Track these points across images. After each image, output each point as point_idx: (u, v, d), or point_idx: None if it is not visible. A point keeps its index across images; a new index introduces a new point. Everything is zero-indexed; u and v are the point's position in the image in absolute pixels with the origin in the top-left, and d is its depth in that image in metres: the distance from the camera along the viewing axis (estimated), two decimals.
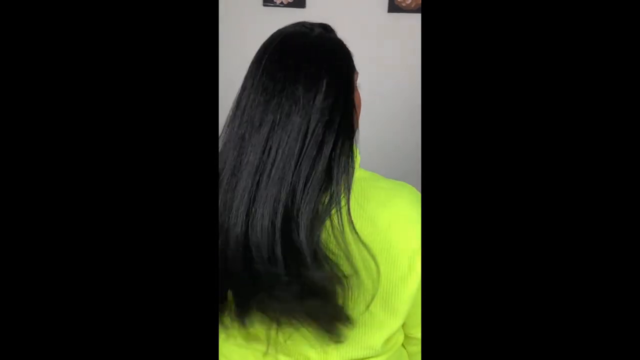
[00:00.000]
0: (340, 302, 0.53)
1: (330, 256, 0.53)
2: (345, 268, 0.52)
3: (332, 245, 0.53)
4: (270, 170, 0.52)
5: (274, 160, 0.52)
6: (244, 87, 0.57)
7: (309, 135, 0.53)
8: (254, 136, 0.53)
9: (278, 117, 0.53)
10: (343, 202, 0.53)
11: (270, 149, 0.52)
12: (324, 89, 0.54)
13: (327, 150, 0.53)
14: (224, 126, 0.57)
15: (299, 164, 0.52)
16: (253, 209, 0.51)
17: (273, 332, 0.56)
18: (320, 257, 0.52)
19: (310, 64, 0.55)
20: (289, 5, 1.66)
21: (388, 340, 0.59)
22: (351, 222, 0.53)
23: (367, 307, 0.55)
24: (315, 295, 0.51)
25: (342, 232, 0.52)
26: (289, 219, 0.51)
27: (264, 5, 1.67)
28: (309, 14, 1.68)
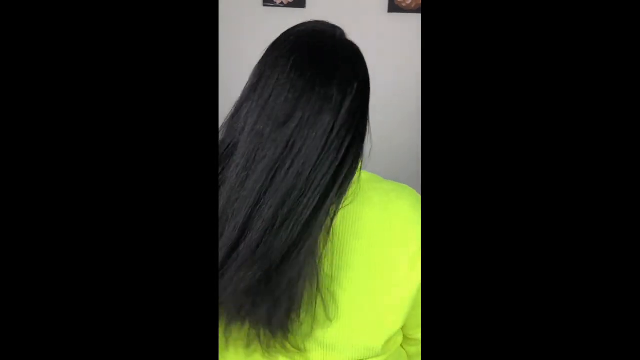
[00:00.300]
0: (287, 312, 0.53)
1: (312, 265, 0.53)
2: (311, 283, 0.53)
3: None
4: (290, 166, 0.52)
5: (296, 157, 0.52)
6: (259, 83, 0.56)
7: (333, 135, 0.53)
8: (275, 132, 0.52)
9: (307, 115, 0.53)
10: (332, 210, 0.54)
11: (294, 145, 0.52)
12: (354, 91, 0.55)
13: (343, 151, 0.54)
14: (227, 119, 0.56)
15: (318, 162, 0.52)
16: (262, 201, 0.51)
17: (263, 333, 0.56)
18: (301, 259, 0.52)
19: (344, 65, 0.56)
20: (289, 5, 1.66)
21: (388, 341, 0.59)
22: (325, 241, 0.54)
23: (312, 329, 0.55)
24: (267, 295, 0.52)
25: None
26: (293, 212, 0.51)
27: (264, 5, 1.67)
28: (309, 14, 1.68)
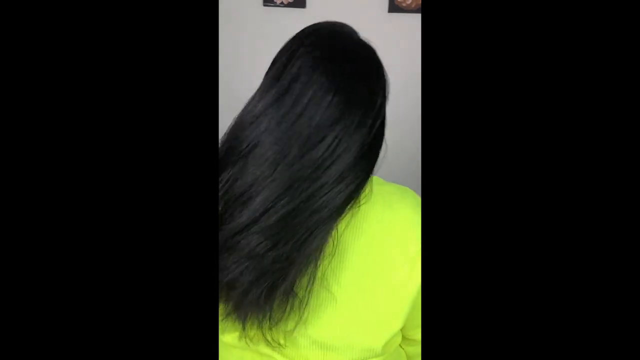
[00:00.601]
0: (265, 296, 0.53)
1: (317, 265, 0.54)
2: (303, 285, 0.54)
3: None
4: (329, 166, 0.52)
5: (337, 159, 0.52)
6: (293, 86, 0.54)
7: (370, 138, 0.55)
8: (317, 134, 0.52)
9: (355, 119, 0.53)
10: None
11: (337, 147, 0.53)
12: (387, 94, 0.58)
13: (374, 153, 0.56)
14: (248, 120, 0.55)
15: (354, 162, 0.53)
16: (292, 194, 0.52)
17: (263, 330, 0.56)
18: (304, 250, 0.52)
19: (374, 68, 0.58)
20: (289, 5, 1.66)
21: (387, 341, 0.59)
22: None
23: (296, 326, 0.56)
24: (255, 270, 0.52)
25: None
26: (317, 205, 0.52)
27: (264, 5, 1.67)
28: (309, 14, 1.68)
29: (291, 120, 0.53)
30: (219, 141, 0.57)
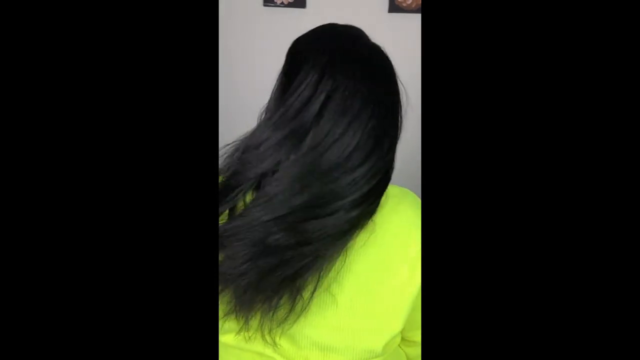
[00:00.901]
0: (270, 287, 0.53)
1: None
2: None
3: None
4: (370, 179, 0.53)
5: (373, 164, 0.53)
6: (336, 93, 0.52)
7: (396, 145, 0.58)
8: (362, 151, 0.53)
9: (394, 131, 0.56)
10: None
11: (376, 162, 0.54)
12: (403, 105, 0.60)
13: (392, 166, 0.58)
14: (290, 132, 0.53)
15: (386, 168, 0.55)
16: (322, 203, 0.52)
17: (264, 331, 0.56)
18: (324, 252, 0.53)
19: (392, 70, 0.59)
20: (289, 5, 1.66)
21: (387, 342, 0.59)
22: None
23: (291, 326, 0.56)
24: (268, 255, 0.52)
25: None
26: (345, 206, 0.53)
27: (264, 5, 1.67)
28: (309, 14, 1.68)
29: (336, 135, 0.52)
30: (229, 142, 0.57)
